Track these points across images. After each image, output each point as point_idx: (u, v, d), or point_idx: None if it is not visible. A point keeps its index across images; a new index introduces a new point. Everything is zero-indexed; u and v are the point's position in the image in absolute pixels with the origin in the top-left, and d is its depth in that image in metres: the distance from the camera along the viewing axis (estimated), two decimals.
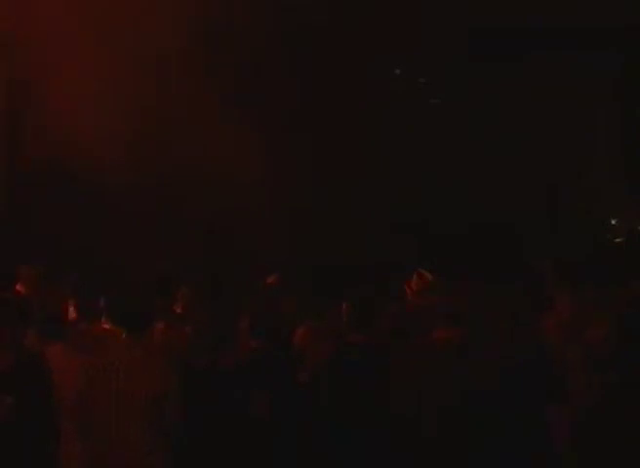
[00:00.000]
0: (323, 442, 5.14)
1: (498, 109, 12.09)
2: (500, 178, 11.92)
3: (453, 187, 11.95)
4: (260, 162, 11.06)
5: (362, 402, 5.17)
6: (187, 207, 11.02)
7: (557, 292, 6.20)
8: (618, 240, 12.96)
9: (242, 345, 5.60)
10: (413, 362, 5.35)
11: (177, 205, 11.03)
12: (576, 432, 4.93)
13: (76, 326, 5.79)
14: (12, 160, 10.40)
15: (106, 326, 5.70)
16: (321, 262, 10.25)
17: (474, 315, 5.74)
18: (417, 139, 12.07)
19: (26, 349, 5.17)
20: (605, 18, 11.38)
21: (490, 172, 11.87)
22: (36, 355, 5.11)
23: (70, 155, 10.11)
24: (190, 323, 5.96)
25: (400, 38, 11.29)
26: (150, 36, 10.19)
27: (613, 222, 13.31)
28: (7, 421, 4.70)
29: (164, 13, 10.43)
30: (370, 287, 6.81)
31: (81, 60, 9.86)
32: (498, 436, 4.97)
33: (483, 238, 11.53)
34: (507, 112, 12.05)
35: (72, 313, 6.04)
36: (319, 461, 5.13)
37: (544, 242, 11.62)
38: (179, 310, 6.83)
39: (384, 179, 11.89)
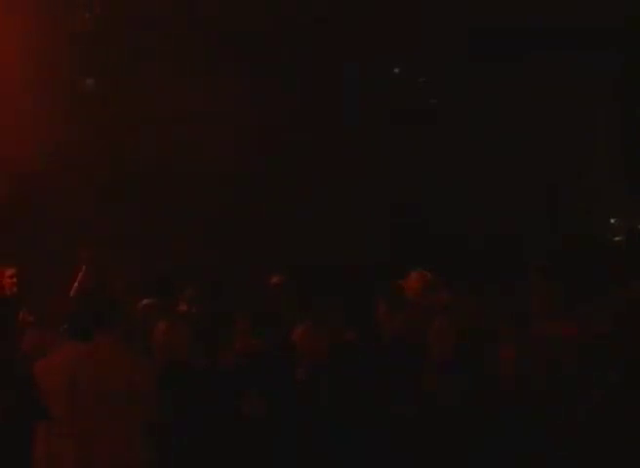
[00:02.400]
0: (323, 442, 5.13)
1: (498, 109, 12.08)
2: (499, 178, 11.91)
3: (453, 187, 11.94)
4: (260, 161, 11.08)
5: (362, 402, 5.17)
6: (187, 207, 11.02)
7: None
8: (617, 238, 12.97)
9: (242, 345, 5.60)
10: (413, 361, 5.35)
11: (177, 205, 11.03)
12: (576, 432, 4.93)
13: None
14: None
15: None
16: (321, 262, 10.26)
17: (474, 315, 5.75)
18: (416, 139, 12.06)
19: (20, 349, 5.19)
20: (605, 18, 11.38)
21: (490, 172, 11.86)
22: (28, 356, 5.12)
23: (69, 154, 10.14)
24: (190, 323, 5.97)
25: (400, 38, 11.28)
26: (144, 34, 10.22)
27: (612, 221, 13.32)
28: None
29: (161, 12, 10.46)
30: (368, 287, 6.82)
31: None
32: (498, 436, 4.97)
33: (483, 238, 11.53)
34: (507, 112, 12.04)
35: None
36: (319, 461, 5.13)
37: (544, 242, 11.62)
38: (183, 309, 6.83)
39: (384, 179, 11.88)
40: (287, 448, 5.13)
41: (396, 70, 12.66)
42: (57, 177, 10.36)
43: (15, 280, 7.76)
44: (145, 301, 6.45)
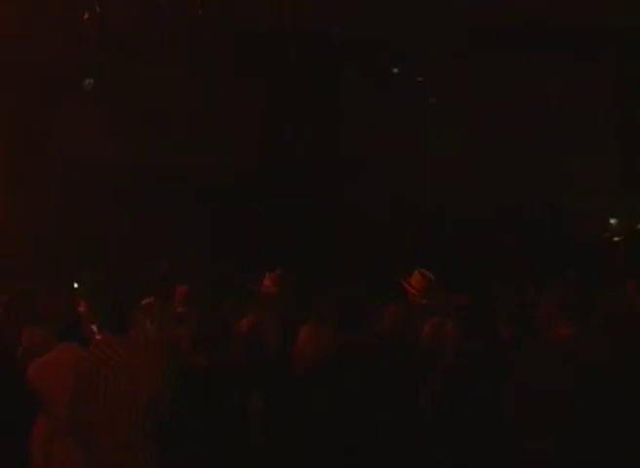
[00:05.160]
0: (323, 442, 5.13)
1: (497, 109, 12.08)
2: (499, 178, 11.92)
3: (452, 187, 11.94)
4: (259, 163, 11.09)
5: (362, 402, 5.16)
6: (187, 207, 11.03)
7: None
8: (616, 239, 12.97)
9: (241, 345, 5.60)
10: (415, 361, 5.35)
11: (176, 205, 11.04)
12: (576, 432, 4.93)
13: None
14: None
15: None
16: (322, 263, 10.27)
17: (474, 314, 5.74)
18: (415, 138, 12.07)
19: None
20: (605, 18, 11.38)
21: (489, 171, 11.86)
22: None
23: (68, 155, 10.16)
24: (188, 323, 5.96)
25: (400, 38, 11.29)
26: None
27: (611, 222, 13.31)
28: None
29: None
30: (364, 287, 6.81)
31: None
32: (497, 436, 4.97)
33: (483, 237, 11.54)
34: (507, 112, 12.04)
35: None
36: (319, 461, 5.12)
37: (545, 242, 11.62)
38: (179, 309, 6.83)
39: (384, 178, 11.89)
40: (287, 448, 5.13)
41: (395, 70, 12.66)
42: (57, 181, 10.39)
43: None
44: (145, 301, 6.45)
